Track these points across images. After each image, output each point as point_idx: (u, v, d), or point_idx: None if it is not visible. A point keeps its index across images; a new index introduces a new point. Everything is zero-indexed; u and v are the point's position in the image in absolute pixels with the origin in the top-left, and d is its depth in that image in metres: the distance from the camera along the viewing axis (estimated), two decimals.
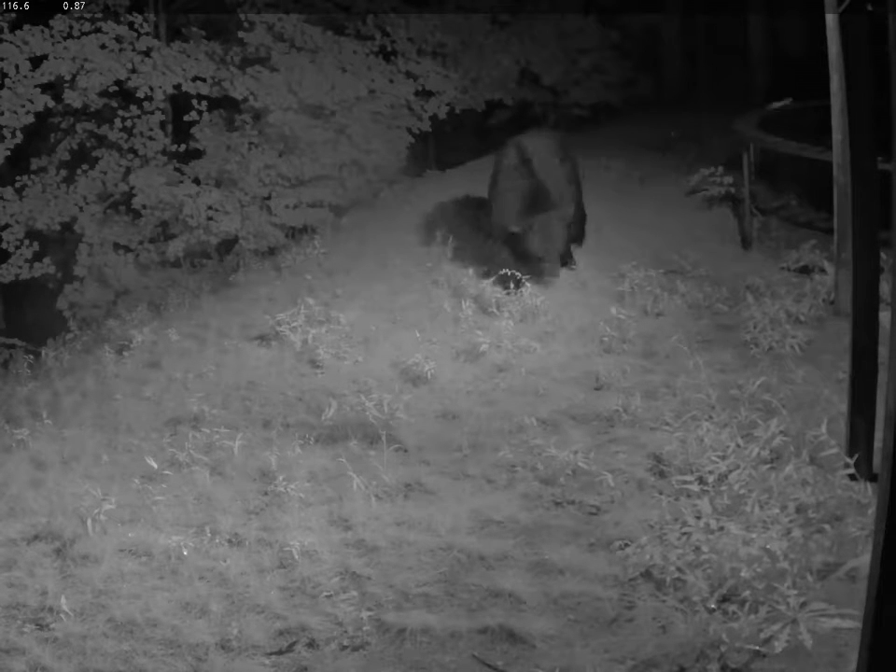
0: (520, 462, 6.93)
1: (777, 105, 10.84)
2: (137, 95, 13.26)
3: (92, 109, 13.38)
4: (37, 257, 13.10)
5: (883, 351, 6.09)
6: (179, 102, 14.01)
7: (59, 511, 6.73)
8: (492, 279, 9.98)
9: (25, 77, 12.59)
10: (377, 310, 9.93)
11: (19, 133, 12.66)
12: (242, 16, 13.82)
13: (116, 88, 13.32)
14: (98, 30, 13.05)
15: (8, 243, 12.94)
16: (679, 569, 5.52)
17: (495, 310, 9.52)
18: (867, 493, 6.01)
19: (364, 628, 5.40)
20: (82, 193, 13.31)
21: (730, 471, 6.36)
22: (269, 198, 13.84)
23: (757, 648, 4.87)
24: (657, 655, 5.00)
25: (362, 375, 8.45)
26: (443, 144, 17.43)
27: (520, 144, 10.94)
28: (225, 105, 14.05)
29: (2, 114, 12.48)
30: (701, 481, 6.39)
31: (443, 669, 5.17)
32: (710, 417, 7.14)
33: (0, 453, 7.96)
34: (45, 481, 7.28)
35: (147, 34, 13.51)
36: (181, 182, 13.64)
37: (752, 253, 11.30)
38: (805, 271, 10.13)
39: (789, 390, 7.50)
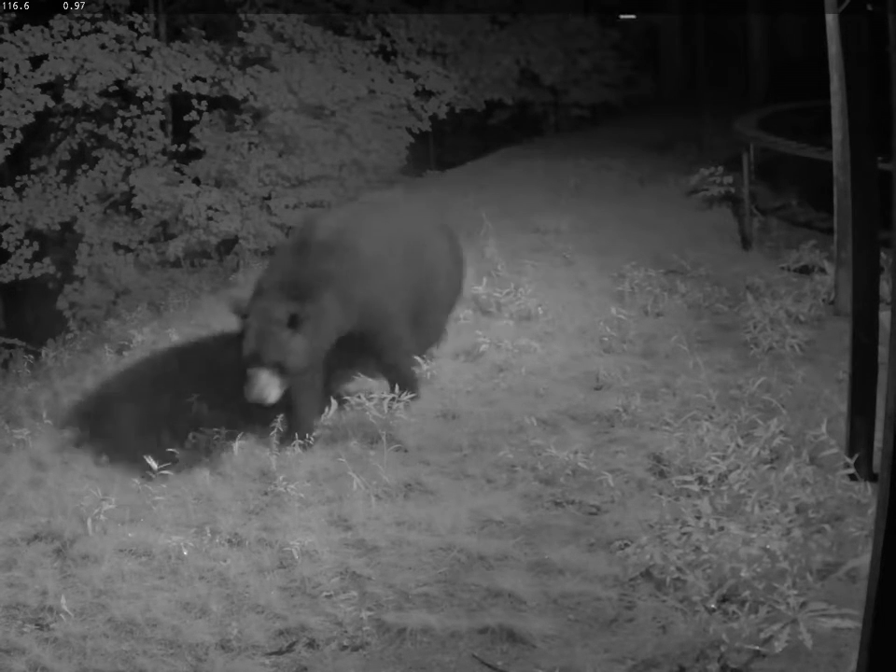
0: (520, 462, 6.93)
1: None
2: (137, 95, 13.28)
3: (92, 109, 13.40)
4: (37, 257, 13.12)
5: (883, 351, 6.09)
6: (179, 102, 14.02)
7: (59, 510, 6.73)
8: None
9: (25, 77, 12.61)
10: None
11: (19, 133, 12.68)
12: (242, 16, 13.85)
13: (116, 88, 13.35)
14: (98, 30, 13.08)
15: (8, 243, 12.96)
16: (679, 569, 5.52)
17: (494, 310, 9.51)
18: (867, 493, 6.01)
19: (364, 628, 5.40)
20: (82, 193, 13.32)
21: (730, 471, 6.35)
22: (269, 198, 13.86)
23: (757, 648, 4.87)
24: (657, 655, 5.00)
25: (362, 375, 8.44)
26: (443, 144, 17.45)
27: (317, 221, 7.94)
28: (225, 104, 14.07)
29: (2, 114, 12.50)
30: (701, 481, 6.39)
31: (443, 669, 5.17)
32: (710, 417, 7.13)
33: (0, 453, 7.96)
34: (45, 481, 7.28)
35: (147, 34, 13.54)
36: (181, 182, 13.66)
37: (752, 253, 11.30)
38: (805, 271, 10.13)
39: (789, 390, 7.50)
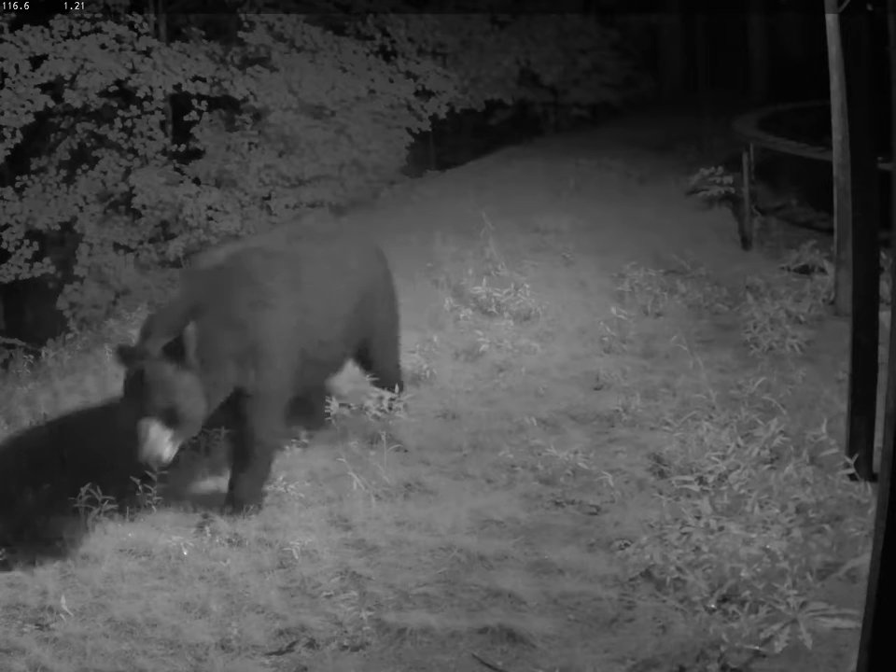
0: (520, 462, 6.93)
1: None
2: (137, 95, 13.29)
3: (92, 109, 13.40)
4: (37, 257, 13.13)
5: (883, 351, 6.09)
6: (179, 102, 14.03)
7: (59, 510, 6.72)
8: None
9: (25, 77, 12.62)
10: None
11: (19, 133, 12.69)
12: (242, 16, 13.86)
13: (116, 88, 13.35)
14: (98, 30, 13.09)
15: (8, 243, 12.96)
16: (679, 569, 5.52)
17: (494, 310, 9.52)
18: (867, 493, 6.01)
19: (364, 628, 5.40)
20: (82, 193, 13.33)
21: (730, 471, 6.35)
22: (269, 198, 13.86)
23: (757, 648, 4.87)
24: (657, 655, 5.00)
25: (362, 375, 8.43)
26: (443, 144, 17.45)
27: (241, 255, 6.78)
28: (225, 104, 14.07)
29: (2, 114, 12.50)
30: (701, 481, 6.39)
31: (443, 669, 5.17)
32: (710, 417, 7.14)
33: (0, 453, 7.95)
34: (45, 480, 7.27)
35: (147, 34, 13.54)
36: (181, 182, 13.66)
37: (752, 253, 11.31)
38: (805, 271, 10.14)
39: (789, 390, 7.50)
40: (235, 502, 6.53)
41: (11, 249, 12.99)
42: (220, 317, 6.21)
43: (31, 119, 12.74)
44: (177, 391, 5.92)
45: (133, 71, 13.22)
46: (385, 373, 7.62)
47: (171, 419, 5.96)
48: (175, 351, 5.91)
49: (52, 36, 12.81)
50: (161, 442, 5.95)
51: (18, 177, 13.22)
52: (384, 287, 7.55)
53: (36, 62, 12.74)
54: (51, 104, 12.89)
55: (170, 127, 14.20)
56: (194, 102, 13.71)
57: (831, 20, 8.01)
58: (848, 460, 6.24)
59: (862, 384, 6.29)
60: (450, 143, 17.69)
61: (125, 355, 6.17)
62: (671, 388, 7.79)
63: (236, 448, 6.65)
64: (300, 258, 6.87)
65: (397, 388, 7.58)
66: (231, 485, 6.61)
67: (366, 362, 7.63)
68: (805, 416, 6.96)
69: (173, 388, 5.91)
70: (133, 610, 5.72)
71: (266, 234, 7.59)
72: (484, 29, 16.21)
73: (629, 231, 11.56)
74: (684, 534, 5.80)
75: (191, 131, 13.88)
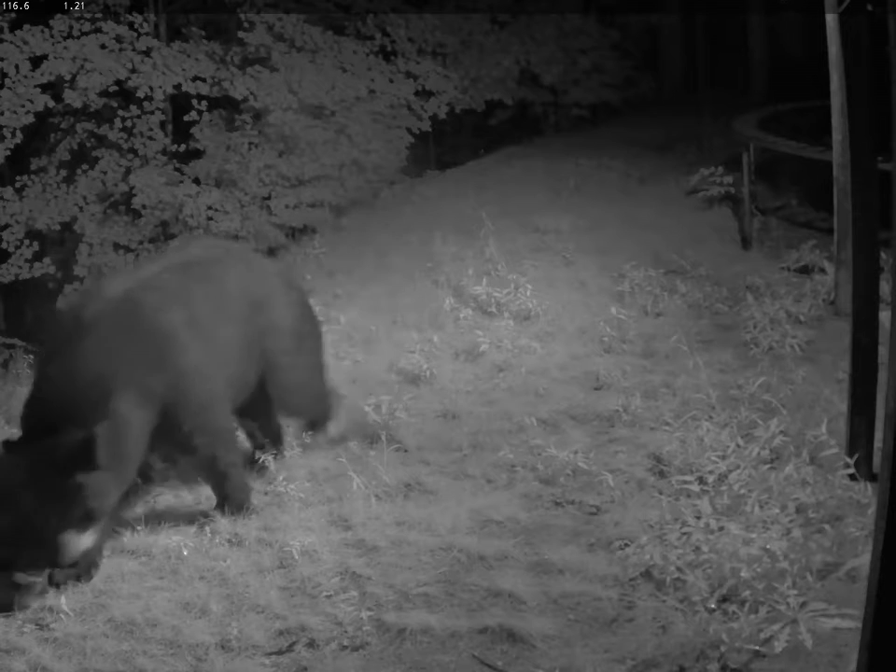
0: (520, 462, 6.93)
1: None
2: (137, 95, 13.27)
3: (92, 109, 13.39)
4: (37, 257, 13.11)
5: (883, 351, 6.10)
6: (179, 102, 14.02)
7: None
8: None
9: (25, 77, 12.60)
10: (377, 310, 9.93)
11: (19, 133, 12.67)
12: (242, 16, 13.84)
13: (116, 88, 13.34)
14: (98, 30, 13.07)
15: (8, 243, 12.94)
16: (679, 569, 5.52)
17: (494, 310, 9.52)
18: (867, 493, 6.01)
19: (364, 628, 5.40)
20: (82, 193, 13.31)
21: (730, 471, 6.36)
22: (269, 198, 13.86)
23: (757, 648, 4.87)
24: (657, 655, 5.00)
25: (362, 375, 8.44)
26: (443, 144, 17.44)
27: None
28: (225, 104, 14.06)
29: (2, 114, 12.49)
30: (701, 481, 6.40)
31: (443, 669, 5.17)
32: (710, 417, 7.14)
33: None
34: None
35: (147, 34, 13.52)
36: (181, 182, 13.65)
37: (752, 253, 11.32)
38: (805, 271, 10.15)
39: (789, 390, 7.51)
40: (232, 504, 6.54)
41: (11, 249, 12.97)
42: (132, 388, 5.79)
43: (31, 119, 12.72)
44: (90, 497, 5.71)
45: (133, 71, 13.21)
46: (297, 404, 7.23)
47: (85, 520, 5.79)
48: (84, 457, 5.59)
49: (52, 36, 12.79)
50: (80, 541, 5.83)
51: (18, 177, 13.20)
52: (291, 313, 6.99)
53: (36, 62, 12.73)
54: (51, 104, 12.88)
55: (170, 127, 14.18)
56: (194, 102, 13.69)
57: (831, 20, 8.02)
58: (848, 460, 6.25)
59: (862, 384, 6.29)
60: (450, 143, 17.68)
61: (17, 452, 5.71)
62: (671, 388, 7.80)
63: (202, 474, 6.63)
64: (189, 291, 6.38)
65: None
66: (219, 498, 6.61)
67: (276, 394, 7.06)
68: (805, 416, 6.96)
69: (85, 497, 5.69)
70: (133, 610, 5.72)
71: (142, 267, 6.98)
72: (484, 29, 16.21)
73: (629, 230, 11.56)
74: (684, 534, 5.80)
75: (191, 131, 13.87)
